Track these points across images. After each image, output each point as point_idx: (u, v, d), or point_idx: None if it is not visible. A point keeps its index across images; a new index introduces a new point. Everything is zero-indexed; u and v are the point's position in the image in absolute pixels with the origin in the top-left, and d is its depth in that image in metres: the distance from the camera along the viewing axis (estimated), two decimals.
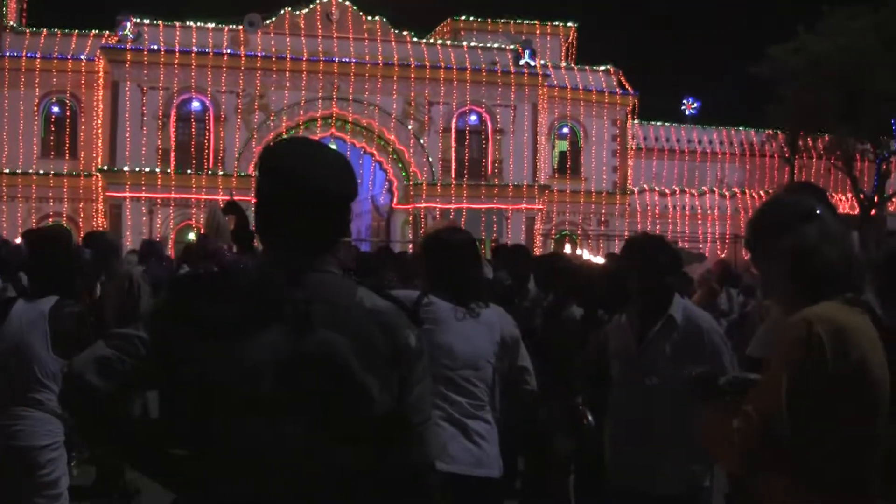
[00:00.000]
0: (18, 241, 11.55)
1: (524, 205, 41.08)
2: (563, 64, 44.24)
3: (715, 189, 45.21)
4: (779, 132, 43.81)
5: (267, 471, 2.27)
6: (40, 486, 5.23)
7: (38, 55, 39.02)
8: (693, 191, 44.78)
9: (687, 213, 44.23)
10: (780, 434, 2.51)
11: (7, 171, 38.18)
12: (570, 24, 45.60)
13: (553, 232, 42.07)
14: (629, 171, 44.06)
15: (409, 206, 40.64)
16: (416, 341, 2.41)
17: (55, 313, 5.23)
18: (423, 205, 40.35)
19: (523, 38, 42.65)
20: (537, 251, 33.62)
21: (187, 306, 2.35)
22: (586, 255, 31.50)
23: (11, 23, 39.79)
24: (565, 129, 43.62)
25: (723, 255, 34.64)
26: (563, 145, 43.70)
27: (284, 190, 2.37)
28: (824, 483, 2.54)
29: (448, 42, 42.12)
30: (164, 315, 2.38)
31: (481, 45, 41.72)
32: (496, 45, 41.68)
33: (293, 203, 2.35)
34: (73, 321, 5.26)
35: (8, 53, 38.84)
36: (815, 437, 2.53)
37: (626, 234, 39.28)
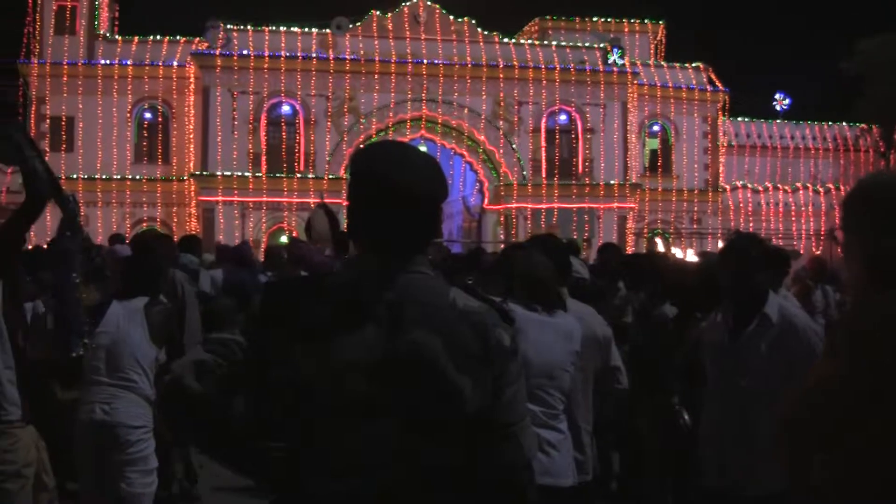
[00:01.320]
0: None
1: (615, 203, 40.67)
2: (653, 61, 43.82)
3: (808, 185, 44.41)
4: (873, 126, 42.97)
5: (360, 471, 2.28)
6: (131, 461, 5.57)
7: (130, 62, 39.58)
8: (786, 187, 44.02)
9: (780, 209, 43.46)
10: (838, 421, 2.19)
11: (102, 176, 38.64)
12: (658, 21, 45.18)
13: (645, 231, 41.62)
14: (721, 169, 43.45)
15: (500, 207, 40.43)
16: (509, 341, 2.40)
17: (149, 310, 5.71)
18: (515, 205, 40.13)
19: (611, 36, 42.31)
20: (630, 250, 33.24)
21: (281, 310, 2.39)
22: (678, 253, 31.10)
23: (104, 31, 40.32)
24: (656, 127, 43.18)
25: (817, 252, 33.90)
26: (654, 143, 43.26)
27: (374, 192, 2.37)
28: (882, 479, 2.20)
29: (536, 42, 41.88)
30: (260, 319, 2.42)
31: (569, 44, 41.42)
32: (584, 44, 41.37)
33: (383, 205, 2.36)
34: (163, 317, 5.81)
35: (101, 61, 39.42)
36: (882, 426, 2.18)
37: (719, 232, 38.76)
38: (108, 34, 40.53)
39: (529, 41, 42.02)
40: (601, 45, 41.09)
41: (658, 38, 45.32)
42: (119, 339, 5.61)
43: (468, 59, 39.58)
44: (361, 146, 35.04)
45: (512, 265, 4.93)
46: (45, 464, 4.89)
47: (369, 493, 2.28)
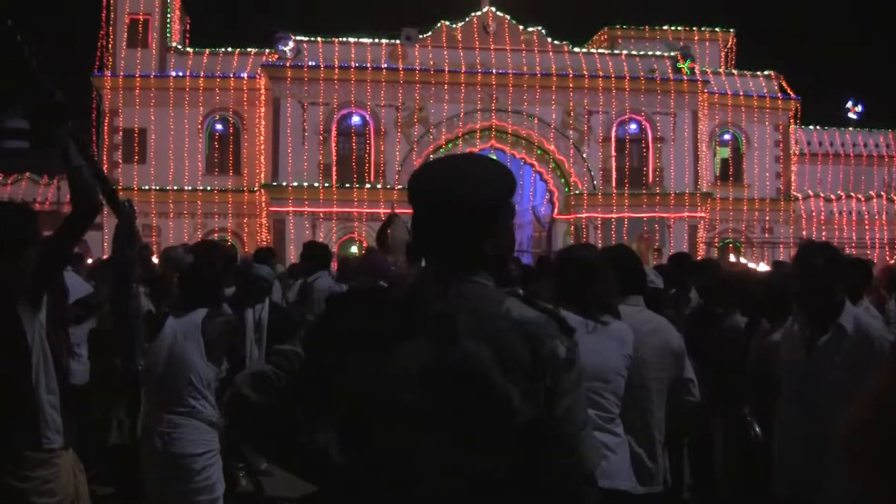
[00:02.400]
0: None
1: (686, 213, 40.37)
2: (723, 69, 43.51)
3: (882, 193, 43.84)
4: None
5: (413, 482, 2.28)
6: (196, 490, 5.39)
7: (201, 74, 40.00)
8: (859, 195, 43.47)
9: (854, 218, 42.91)
10: None
11: (174, 188, 38.98)
12: (728, 29, 44.85)
13: (716, 240, 41.29)
14: (793, 177, 43.04)
15: (570, 217, 40.29)
16: (565, 351, 2.34)
17: (207, 323, 5.46)
18: (585, 215, 40.02)
19: (681, 44, 42.04)
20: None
21: (340, 321, 2.42)
22: (750, 263, 30.76)
23: (175, 44, 40.72)
24: (726, 136, 42.86)
25: (891, 261, 33.37)
26: (725, 152, 42.94)
27: (424, 203, 2.40)
28: None
29: (606, 51, 41.75)
30: (318, 331, 2.46)
31: (639, 52, 41.26)
32: (654, 53, 41.17)
33: (434, 215, 2.38)
34: (223, 330, 5.55)
35: (173, 74, 39.89)
36: None
37: (791, 241, 38.32)
38: (179, 46, 40.94)
39: (599, 50, 41.90)
40: (671, 54, 40.87)
41: (728, 46, 44.99)
42: (174, 362, 5.40)
43: (538, 68, 39.53)
44: (431, 157, 35.03)
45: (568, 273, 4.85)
46: (80, 490, 4.64)
47: (423, 502, 2.29)
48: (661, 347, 4.99)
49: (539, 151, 40.04)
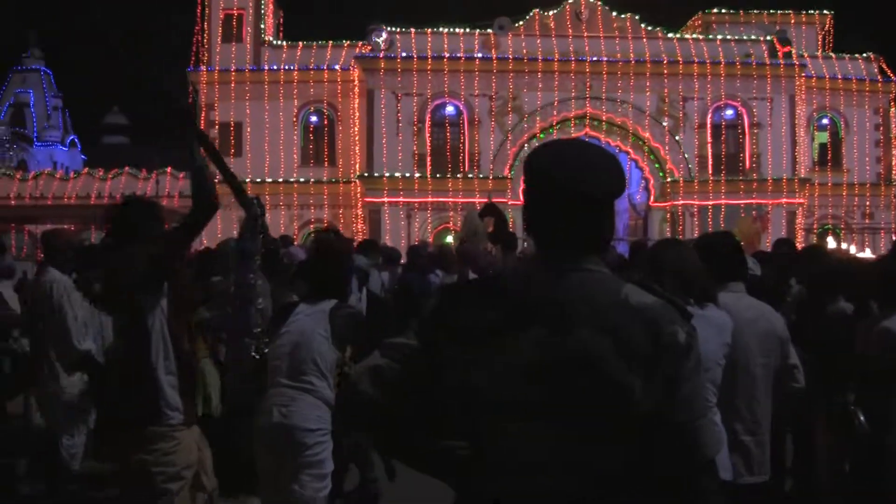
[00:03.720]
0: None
1: (784, 199, 39.86)
2: (820, 53, 42.81)
3: None
4: None
5: (532, 472, 2.25)
6: (307, 464, 5.49)
7: (295, 67, 40.36)
8: None
9: None
10: None
11: (269, 180, 39.36)
12: (825, 11, 44.06)
13: (815, 226, 40.70)
14: (894, 161, 42.19)
15: (666, 204, 40.00)
16: (685, 337, 2.29)
17: (334, 313, 5.60)
18: (681, 202, 39.70)
19: (777, 28, 41.44)
20: (799, 246, 32.43)
21: (453, 312, 2.39)
22: (851, 249, 30.22)
23: (269, 38, 41.12)
24: (825, 120, 42.25)
25: None
26: (823, 137, 42.31)
27: (543, 189, 2.35)
28: None
29: (700, 36, 41.36)
30: (432, 322, 2.43)
31: (734, 37, 40.78)
32: (750, 37, 40.66)
33: (552, 202, 2.33)
34: (349, 322, 5.66)
35: (267, 67, 40.23)
36: None
37: (893, 226, 37.62)
38: (273, 40, 41.36)
39: (693, 36, 41.52)
40: (767, 38, 40.33)
41: (826, 28, 44.23)
42: (302, 343, 5.57)
43: (631, 55, 39.26)
44: (538, 145, 35.51)
45: (661, 261, 4.78)
46: (206, 464, 4.98)
47: (542, 494, 2.26)
48: (766, 333, 4.95)
49: (634, 139, 39.78)
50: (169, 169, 40.74)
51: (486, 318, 2.32)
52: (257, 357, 5.82)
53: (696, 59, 39.63)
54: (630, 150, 39.60)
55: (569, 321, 2.26)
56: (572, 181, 2.30)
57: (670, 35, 40.59)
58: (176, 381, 4.66)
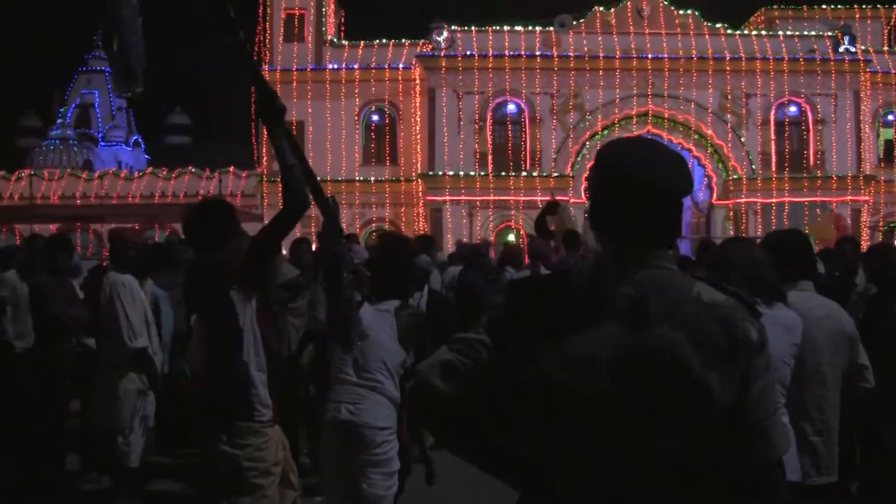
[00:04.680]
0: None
1: (849, 196, 39.48)
2: (886, 48, 42.31)
3: None
4: None
5: (606, 470, 2.24)
6: (375, 462, 5.50)
7: (356, 66, 40.59)
8: None
9: None
10: None
11: (332, 178, 39.52)
12: (891, 5, 43.56)
13: (881, 224, 40.18)
14: None
15: (729, 202, 39.78)
16: (756, 335, 2.29)
17: (399, 313, 5.64)
18: (744, 200, 39.45)
19: (841, 23, 41.04)
20: (864, 244, 32.11)
21: (524, 308, 2.37)
22: None
23: (331, 37, 41.35)
24: (890, 116, 41.75)
25: None
26: (889, 133, 41.84)
27: (615, 186, 2.33)
28: None
29: (763, 32, 41.04)
30: (502, 318, 2.39)
31: (798, 33, 40.42)
32: (813, 33, 40.28)
33: (624, 199, 2.31)
34: (412, 322, 5.69)
35: (329, 66, 40.47)
36: None
37: None
38: (334, 39, 41.60)
39: (756, 32, 41.21)
40: (831, 33, 39.94)
41: (891, 23, 43.66)
42: (367, 342, 5.58)
43: (694, 52, 39.08)
44: (587, 143, 34.74)
45: (729, 259, 4.73)
46: (291, 462, 5.04)
47: (616, 492, 2.24)
48: (835, 332, 4.87)
49: (696, 136, 39.60)
50: (231, 168, 41.11)
51: (560, 314, 2.31)
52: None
53: (759, 56, 39.34)
54: (692, 148, 39.38)
55: (645, 317, 2.26)
56: (647, 178, 2.30)
57: (733, 31, 40.31)
58: (265, 378, 4.73)
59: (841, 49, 39.55)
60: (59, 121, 48.74)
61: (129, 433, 7.85)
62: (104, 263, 12.64)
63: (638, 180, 2.30)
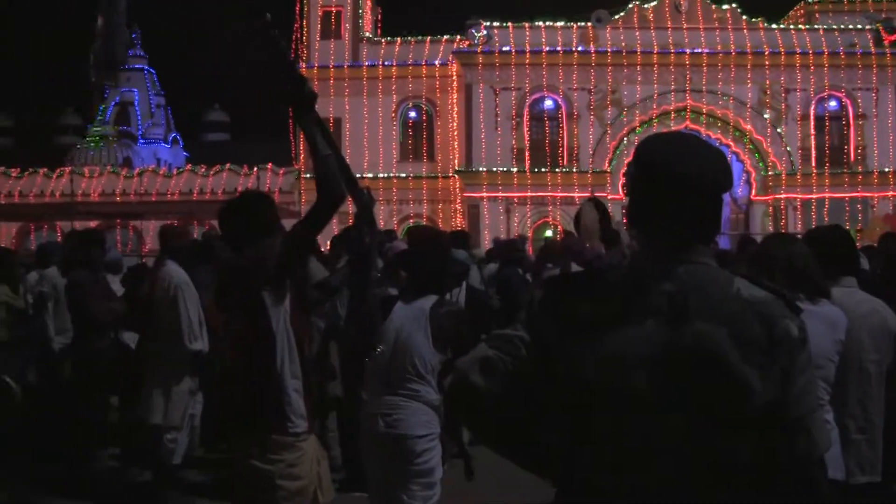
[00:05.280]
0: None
1: (891, 192, 39.10)
2: None
3: None
4: None
5: (644, 467, 2.23)
6: (416, 472, 5.33)
7: (393, 63, 40.69)
8: None
9: None
10: None
11: (369, 175, 39.61)
12: None
13: None
14: None
15: (768, 198, 39.51)
16: (797, 331, 2.27)
17: (435, 311, 5.38)
18: (783, 195, 39.16)
19: (883, 16, 40.53)
20: None
21: (562, 304, 2.35)
22: None
23: (368, 34, 41.43)
24: None
25: None
26: None
27: (656, 181, 2.32)
28: None
29: (802, 26, 40.67)
30: (541, 314, 2.38)
31: (838, 26, 40.02)
32: (854, 26, 39.88)
33: (665, 194, 2.30)
34: (452, 320, 5.46)
35: (366, 63, 40.58)
36: None
37: None
38: (371, 36, 41.69)
39: (795, 26, 40.87)
40: (872, 27, 39.55)
41: None
42: (399, 346, 5.37)
43: (732, 46, 38.80)
44: (625, 139, 34.56)
45: (771, 256, 4.69)
46: (324, 478, 4.65)
47: (654, 489, 2.22)
48: (879, 329, 4.81)
49: (735, 132, 39.31)
50: (269, 165, 41.30)
51: (597, 311, 2.30)
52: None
53: (799, 50, 38.99)
54: (731, 143, 39.05)
55: (685, 313, 2.25)
56: (686, 173, 2.30)
57: (772, 25, 40.01)
58: (300, 385, 4.43)
59: (882, 43, 39.07)
60: (99, 119, 49.25)
61: (177, 432, 7.93)
62: (143, 260, 12.70)
63: (677, 175, 2.30)
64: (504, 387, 2.34)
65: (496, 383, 2.34)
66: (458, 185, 39.60)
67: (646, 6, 39.69)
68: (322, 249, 10.50)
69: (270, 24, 4.11)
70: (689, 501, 2.23)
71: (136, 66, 51.25)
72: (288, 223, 4.65)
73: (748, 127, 39.18)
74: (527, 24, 39.71)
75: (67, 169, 43.28)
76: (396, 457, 5.38)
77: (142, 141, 49.06)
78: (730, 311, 2.26)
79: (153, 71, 51.62)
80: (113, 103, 49.42)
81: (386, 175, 40.15)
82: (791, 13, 43.89)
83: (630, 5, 39.81)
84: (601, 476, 2.28)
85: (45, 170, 43.05)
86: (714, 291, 2.29)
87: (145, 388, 7.98)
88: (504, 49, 39.00)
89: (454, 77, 40.24)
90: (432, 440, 5.42)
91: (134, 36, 52.04)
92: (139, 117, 49.68)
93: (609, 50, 38.89)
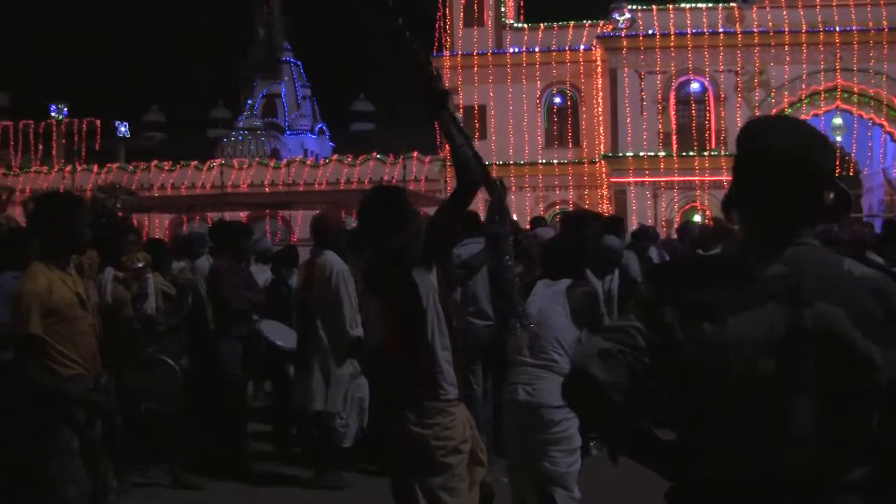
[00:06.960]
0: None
1: None
2: None
3: None
4: None
5: (773, 450, 2.22)
6: (556, 440, 5.64)
7: (537, 49, 40.74)
8: None
9: None
10: None
11: (514, 162, 40.02)
12: None
13: None
14: None
15: None
16: None
17: (571, 292, 5.86)
18: None
19: None
20: None
21: (677, 291, 2.34)
22: None
23: (510, 20, 41.62)
24: None
25: None
26: None
27: (759, 163, 2.34)
28: None
29: None
30: (655, 302, 2.36)
31: None
32: None
33: (768, 176, 2.33)
34: (586, 299, 5.92)
35: (509, 50, 40.85)
36: None
37: None
38: (514, 23, 41.83)
39: None
40: None
41: None
42: (542, 321, 5.74)
43: (884, 22, 37.69)
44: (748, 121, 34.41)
45: None
46: (479, 439, 4.97)
47: (783, 471, 2.23)
48: None
49: (889, 111, 38.32)
50: (415, 153, 41.90)
51: (711, 296, 2.30)
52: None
53: None
54: (885, 123, 38.19)
55: (803, 295, 2.26)
56: (789, 155, 2.33)
57: None
58: (451, 356, 4.71)
59: None
60: (247, 111, 50.59)
61: (346, 415, 8.17)
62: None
63: (780, 156, 2.33)
64: (622, 378, 2.30)
65: (615, 375, 2.30)
66: (604, 170, 39.60)
67: None
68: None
69: (402, 28, 4.50)
70: (818, 484, 2.25)
71: (283, 58, 52.51)
72: (433, 210, 5.12)
73: None
74: (671, 7, 39.36)
75: (217, 161, 44.57)
76: (536, 425, 5.72)
77: (289, 132, 50.24)
78: (845, 290, 2.29)
79: (299, 63, 52.78)
80: (260, 96, 50.74)
81: (531, 162, 40.36)
82: None
83: None
84: (724, 464, 2.28)
85: (196, 162, 44.34)
86: (826, 271, 2.32)
87: (303, 375, 8.32)
88: (649, 32, 38.78)
89: (598, 62, 40.15)
90: (570, 411, 5.49)
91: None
92: (286, 109, 50.87)
93: (756, 30, 38.27)
